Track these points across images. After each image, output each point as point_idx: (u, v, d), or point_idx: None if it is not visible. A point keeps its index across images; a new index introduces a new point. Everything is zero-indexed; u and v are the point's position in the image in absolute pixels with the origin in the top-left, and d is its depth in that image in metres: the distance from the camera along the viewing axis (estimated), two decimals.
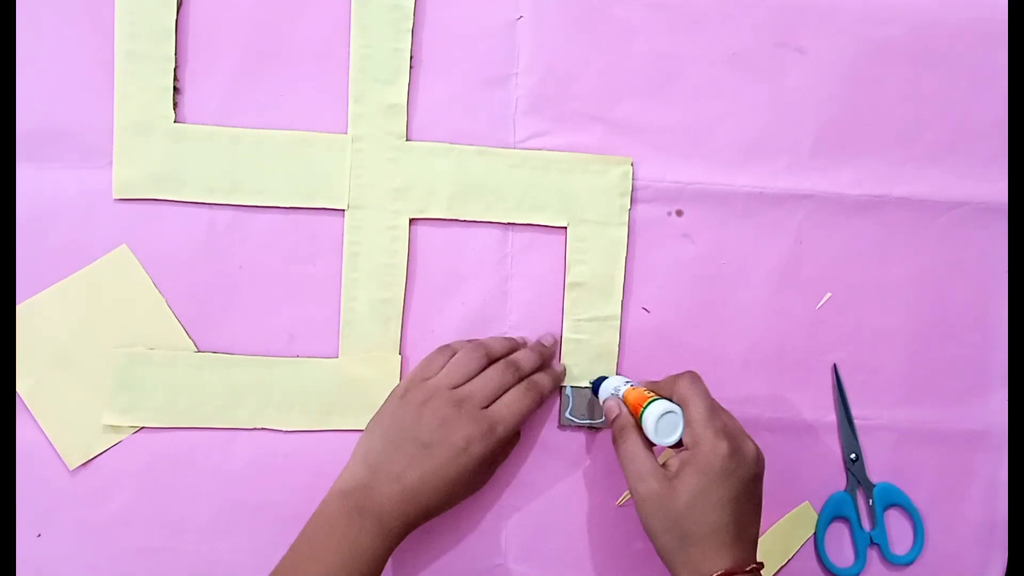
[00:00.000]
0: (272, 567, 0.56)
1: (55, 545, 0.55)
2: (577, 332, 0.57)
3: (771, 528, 0.58)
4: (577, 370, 0.57)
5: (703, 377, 0.57)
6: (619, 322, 0.57)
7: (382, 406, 0.53)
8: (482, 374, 0.53)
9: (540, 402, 0.54)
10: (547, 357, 0.56)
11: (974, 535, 0.60)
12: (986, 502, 0.60)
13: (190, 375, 0.55)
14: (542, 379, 0.54)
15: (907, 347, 0.59)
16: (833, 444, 0.59)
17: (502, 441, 0.52)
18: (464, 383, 0.52)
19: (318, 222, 0.56)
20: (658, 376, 0.57)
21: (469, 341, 0.55)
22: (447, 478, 0.50)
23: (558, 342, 0.57)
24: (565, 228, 0.57)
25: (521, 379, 0.53)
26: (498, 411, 0.52)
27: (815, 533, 0.59)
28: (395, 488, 0.49)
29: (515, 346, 0.56)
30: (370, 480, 0.49)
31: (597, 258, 0.57)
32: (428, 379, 0.53)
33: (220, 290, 0.56)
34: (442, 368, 0.53)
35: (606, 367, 0.57)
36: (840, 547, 0.59)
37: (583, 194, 0.57)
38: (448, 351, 0.54)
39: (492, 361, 0.54)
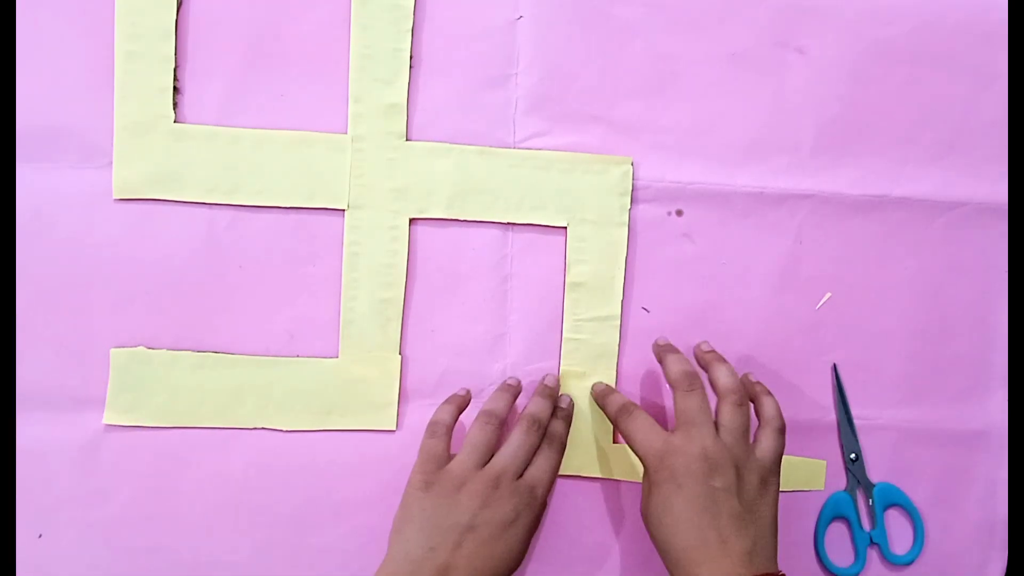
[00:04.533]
0: (272, 567, 0.56)
1: (56, 545, 0.55)
2: (577, 332, 0.57)
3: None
4: (579, 369, 0.57)
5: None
6: (619, 322, 0.57)
7: (403, 503, 0.51)
8: (509, 443, 0.52)
9: (563, 451, 0.54)
10: (555, 398, 0.56)
11: (974, 535, 0.60)
12: (986, 502, 0.60)
13: (190, 375, 0.55)
14: (559, 427, 0.54)
15: (907, 347, 0.59)
16: (833, 444, 0.59)
17: (544, 503, 0.52)
18: (489, 458, 0.52)
19: (318, 222, 0.56)
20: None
21: (447, 403, 0.54)
22: (497, 555, 0.49)
23: (559, 380, 0.57)
24: (565, 228, 0.57)
25: (543, 434, 0.53)
26: (534, 476, 0.52)
27: (815, 533, 0.59)
28: None
29: (516, 391, 0.55)
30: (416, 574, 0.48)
31: (597, 258, 0.57)
32: (445, 466, 0.51)
33: (220, 290, 0.56)
34: (445, 448, 0.52)
35: (606, 367, 0.57)
36: (840, 547, 0.59)
37: (583, 194, 0.57)
38: (442, 430, 0.53)
39: (502, 422, 0.53)
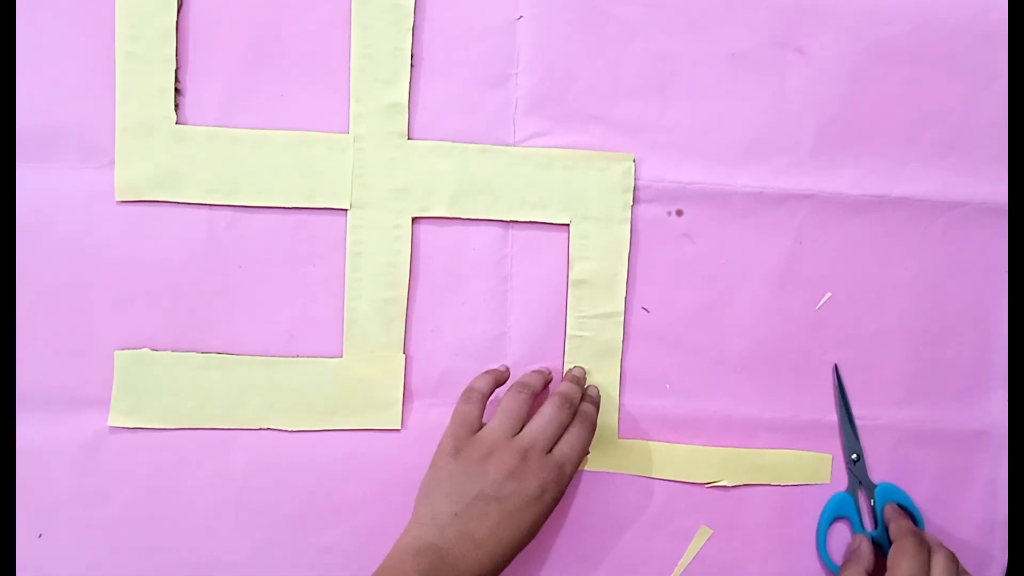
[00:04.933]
0: (272, 567, 0.56)
1: (56, 545, 0.55)
2: (581, 329, 0.57)
3: (786, 451, 0.59)
4: (583, 366, 0.57)
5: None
6: (623, 319, 0.57)
7: (432, 467, 0.52)
8: (540, 416, 0.52)
9: (593, 432, 0.54)
10: (583, 385, 0.56)
11: (974, 535, 0.60)
12: (986, 502, 0.60)
13: (194, 376, 0.55)
14: (589, 409, 0.54)
15: (907, 347, 0.59)
16: (834, 444, 0.59)
17: (570, 480, 0.52)
18: (520, 429, 0.52)
19: (318, 222, 0.56)
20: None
21: (486, 374, 0.55)
22: (521, 527, 0.49)
23: (586, 373, 0.57)
24: (567, 225, 0.57)
25: (574, 413, 0.53)
26: (563, 452, 0.51)
27: (817, 533, 0.59)
28: (469, 547, 0.48)
29: (548, 378, 0.56)
30: (440, 540, 0.48)
31: (600, 255, 0.57)
32: (477, 431, 0.52)
33: (220, 290, 0.56)
34: (478, 416, 0.53)
35: (610, 364, 0.57)
36: (842, 547, 0.59)
37: (585, 191, 0.57)
38: (477, 397, 0.53)
39: (535, 395, 0.54)
